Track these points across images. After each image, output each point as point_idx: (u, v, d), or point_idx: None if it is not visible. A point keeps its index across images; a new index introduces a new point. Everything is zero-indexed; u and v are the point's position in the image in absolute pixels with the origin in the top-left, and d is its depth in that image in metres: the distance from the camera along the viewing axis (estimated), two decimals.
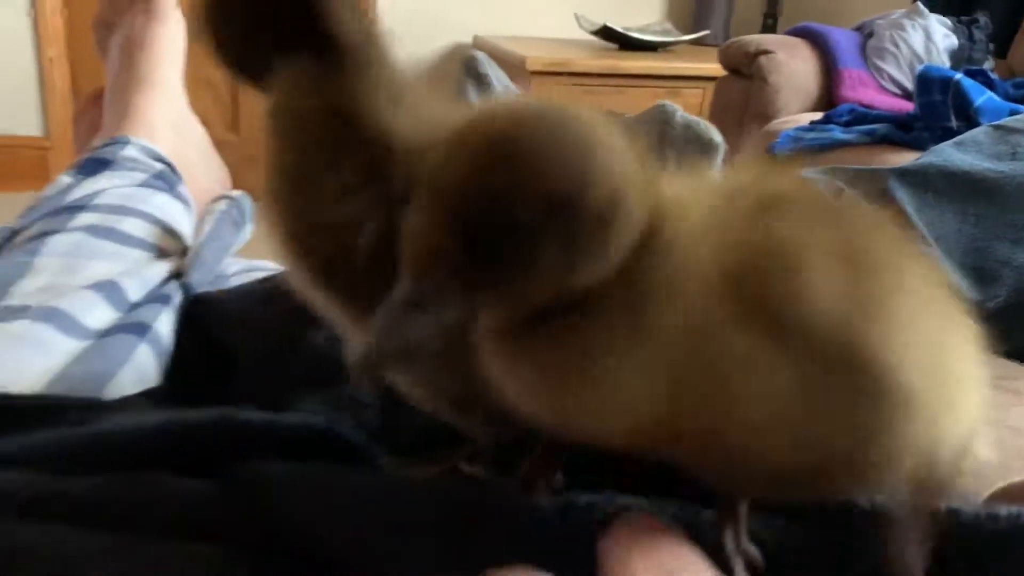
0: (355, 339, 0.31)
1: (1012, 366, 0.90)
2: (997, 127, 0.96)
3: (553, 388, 0.25)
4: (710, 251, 0.24)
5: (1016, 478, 0.52)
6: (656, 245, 0.24)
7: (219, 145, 1.02)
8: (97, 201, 0.71)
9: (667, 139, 0.72)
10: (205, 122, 1.01)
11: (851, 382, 0.23)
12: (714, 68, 2.49)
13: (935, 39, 2.25)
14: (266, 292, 0.49)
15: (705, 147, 0.71)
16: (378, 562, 0.26)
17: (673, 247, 0.24)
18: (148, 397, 0.45)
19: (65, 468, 0.29)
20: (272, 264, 0.81)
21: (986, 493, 0.52)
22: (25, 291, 0.58)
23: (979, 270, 0.87)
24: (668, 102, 0.73)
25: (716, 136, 0.72)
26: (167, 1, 0.96)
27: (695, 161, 0.76)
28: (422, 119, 0.30)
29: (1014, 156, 0.90)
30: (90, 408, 0.33)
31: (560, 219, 0.23)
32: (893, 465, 0.24)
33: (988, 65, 2.29)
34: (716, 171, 0.73)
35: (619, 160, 0.24)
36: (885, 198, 0.88)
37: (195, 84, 0.99)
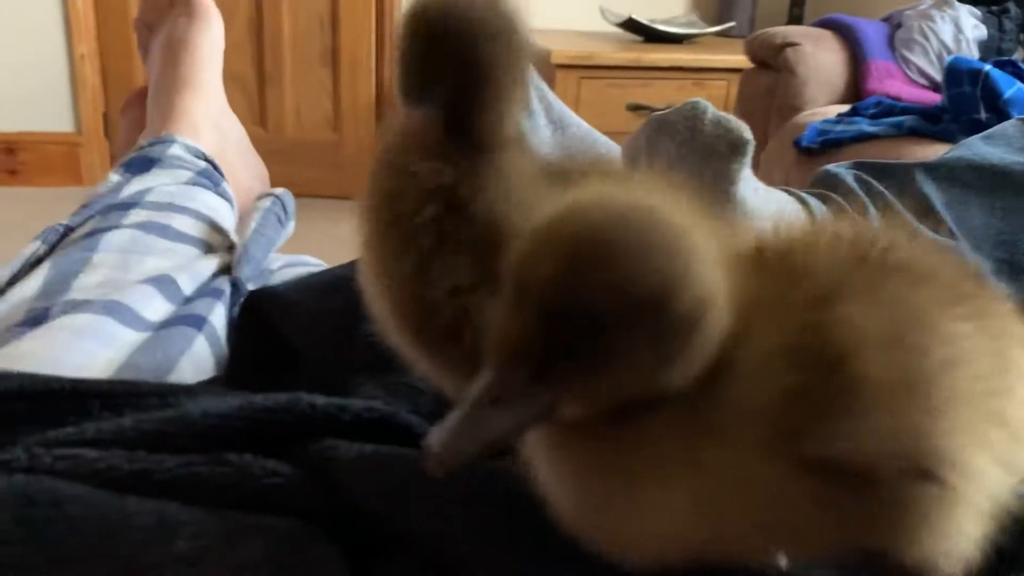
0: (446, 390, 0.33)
1: None
2: None
3: (585, 494, 0.25)
4: (772, 395, 0.24)
5: None
6: (724, 372, 0.24)
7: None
8: (147, 198, 0.74)
9: (697, 137, 0.73)
10: None
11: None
12: (740, 60, 2.49)
13: (964, 30, 2.24)
14: (322, 285, 0.51)
15: (735, 145, 0.72)
16: (435, 536, 0.28)
17: (739, 378, 0.24)
18: (212, 385, 0.47)
19: (152, 447, 0.31)
20: (313, 259, 0.84)
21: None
22: (85, 285, 0.61)
23: (1008, 263, 0.88)
24: (700, 99, 0.74)
25: (747, 134, 0.73)
26: (207, 2, 0.99)
27: (724, 158, 0.77)
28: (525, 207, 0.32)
29: None
30: (170, 393, 0.35)
31: (646, 321, 0.23)
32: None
33: (1018, 55, 2.27)
34: (747, 178, 0.74)
35: (707, 265, 0.24)
36: (913, 193, 0.89)
37: (225, 79, 1.02)
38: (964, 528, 0.25)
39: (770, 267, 0.26)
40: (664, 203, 0.24)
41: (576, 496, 0.25)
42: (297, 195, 0.98)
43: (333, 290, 0.49)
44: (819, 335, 0.24)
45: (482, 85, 0.32)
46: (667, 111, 0.75)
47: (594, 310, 0.22)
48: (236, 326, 0.51)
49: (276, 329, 0.49)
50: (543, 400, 0.23)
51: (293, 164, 2.57)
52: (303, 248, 0.90)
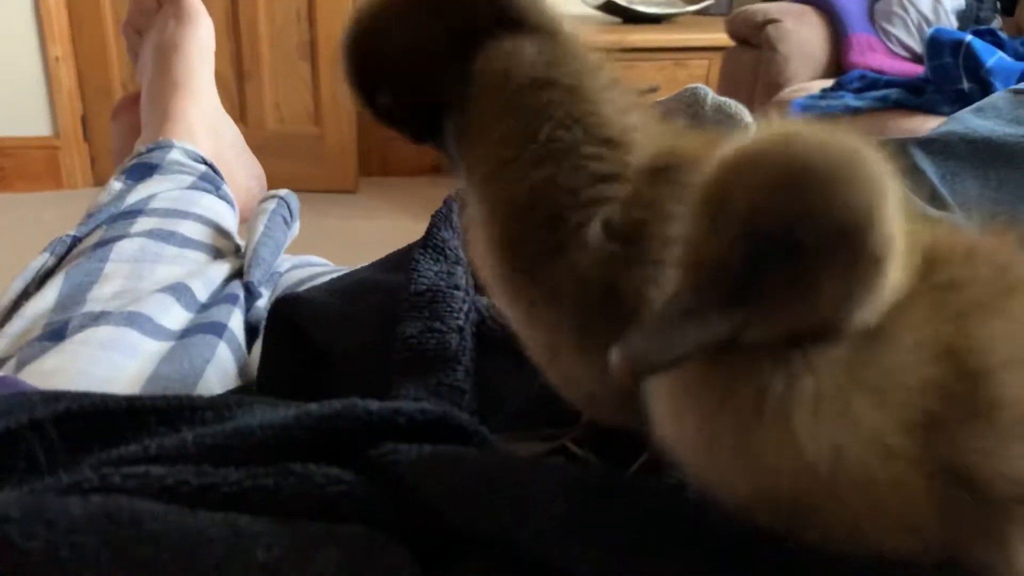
0: (574, 375, 0.33)
1: None
2: (1016, 92, 0.97)
3: (716, 423, 0.25)
4: (921, 378, 0.25)
5: None
6: (882, 336, 0.25)
7: None
8: (152, 205, 0.74)
9: (699, 122, 0.74)
10: None
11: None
12: (720, 38, 2.49)
13: (942, 0, 2.25)
14: (349, 289, 0.51)
15: (736, 127, 0.73)
16: (505, 533, 0.29)
17: (895, 347, 0.25)
18: (245, 393, 0.48)
19: (216, 461, 0.32)
20: (319, 259, 0.84)
21: None
22: (101, 297, 0.61)
23: None
24: (700, 85, 0.75)
25: (746, 116, 0.74)
26: (196, 4, 0.98)
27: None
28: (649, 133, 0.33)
29: None
30: (224, 406, 0.36)
31: (842, 251, 0.23)
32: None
33: (996, 24, 2.28)
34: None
35: (897, 210, 0.25)
36: (910, 168, 0.89)
37: None
38: None
39: (924, 259, 0.27)
40: (862, 146, 0.25)
41: (703, 424, 0.25)
42: (280, 189, 0.99)
43: (361, 293, 0.50)
44: (967, 342, 0.25)
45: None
46: (668, 99, 0.76)
47: (795, 235, 0.23)
48: (265, 333, 0.52)
49: (306, 335, 0.49)
50: (735, 320, 0.24)
51: (275, 159, 2.52)
52: (309, 249, 0.90)
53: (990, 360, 0.25)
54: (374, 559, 0.29)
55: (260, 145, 1.06)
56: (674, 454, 0.26)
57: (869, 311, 0.25)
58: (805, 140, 0.24)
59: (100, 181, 2.78)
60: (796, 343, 0.25)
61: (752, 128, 0.26)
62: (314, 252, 0.87)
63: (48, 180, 2.78)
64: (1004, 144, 0.91)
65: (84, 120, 2.78)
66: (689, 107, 0.74)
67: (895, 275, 0.25)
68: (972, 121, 0.95)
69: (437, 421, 0.34)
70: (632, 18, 2.78)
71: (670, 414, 0.26)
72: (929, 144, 0.91)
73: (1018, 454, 0.24)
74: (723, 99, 0.74)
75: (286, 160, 2.60)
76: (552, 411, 0.36)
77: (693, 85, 0.75)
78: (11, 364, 0.54)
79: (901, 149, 0.91)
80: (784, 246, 0.23)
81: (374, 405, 0.33)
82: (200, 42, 0.96)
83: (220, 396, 0.40)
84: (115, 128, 1.04)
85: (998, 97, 0.98)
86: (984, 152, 0.91)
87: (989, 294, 0.26)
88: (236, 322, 0.62)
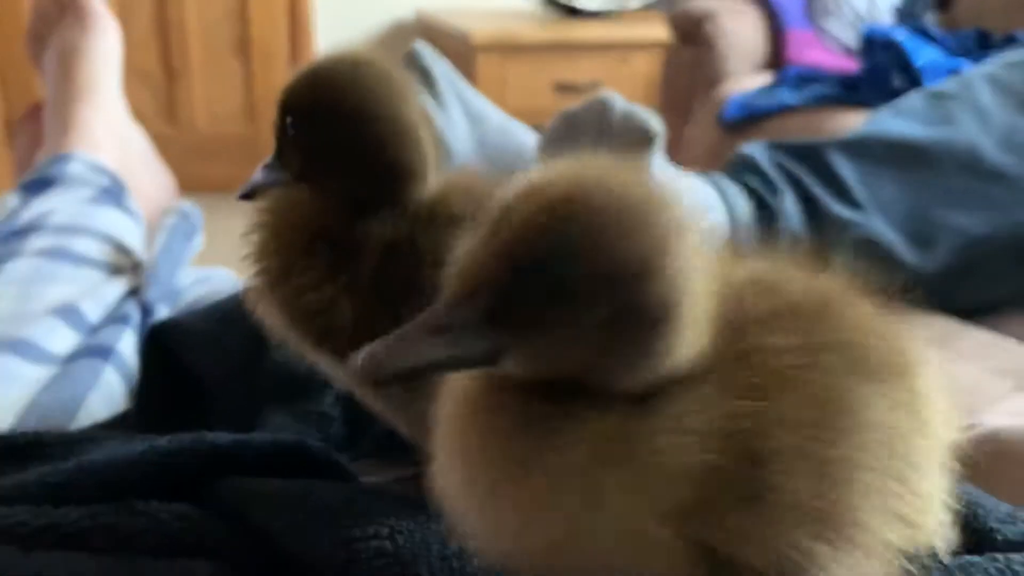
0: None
1: (953, 325, 0.93)
2: (932, 94, 0.98)
3: (479, 466, 0.24)
4: (696, 461, 0.23)
5: None
6: (665, 404, 0.24)
7: (157, 139, 1.02)
8: (47, 222, 0.72)
9: (607, 131, 0.73)
10: (141, 116, 1.00)
11: None
12: (663, 34, 2.50)
13: None
14: (225, 314, 0.51)
15: (644, 138, 0.72)
16: (339, 566, 0.28)
17: (675, 423, 0.23)
18: (121, 423, 0.47)
19: (58, 499, 0.31)
20: (224, 271, 0.82)
21: None
22: None
23: (919, 234, 0.90)
24: (608, 93, 0.74)
25: (655, 125, 0.74)
26: (98, 9, 0.95)
27: (632, 151, 0.78)
28: None
29: (947, 122, 0.93)
30: (72, 441, 0.36)
31: (612, 295, 0.22)
32: None
33: (930, 19, 2.32)
34: (654, 165, 0.74)
35: (689, 266, 0.23)
36: (827, 172, 0.90)
37: (130, 76, 0.98)
38: None
39: (731, 321, 0.25)
40: (661, 195, 0.24)
41: (468, 468, 0.25)
42: (213, 191, 0.96)
43: (236, 318, 0.49)
44: (752, 423, 0.24)
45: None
46: (576, 108, 0.75)
47: (567, 270, 0.22)
48: (141, 358, 0.51)
49: (181, 362, 0.48)
50: (487, 344, 0.23)
51: (207, 160, 2.49)
52: (222, 245, 0.87)
53: (770, 444, 0.23)
54: None
55: (191, 145, 1.03)
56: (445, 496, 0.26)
57: (643, 373, 0.23)
58: (598, 179, 0.23)
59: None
60: (573, 395, 0.24)
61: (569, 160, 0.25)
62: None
63: None
64: (919, 146, 0.92)
65: (7, 126, 2.69)
66: (597, 116, 0.74)
67: (686, 342, 0.23)
68: (889, 123, 0.96)
69: (290, 451, 0.33)
70: (575, 13, 2.78)
71: (441, 449, 0.26)
72: (847, 147, 0.92)
73: (788, 543, 0.23)
74: (631, 108, 0.73)
75: (218, 161, 2.54)
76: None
77: (601, 95, 0.75)
78: None
79: (820, 153, 0.92)
80: (554, 279, 0.22)
81: (224, 438, 0.33)
82: (105, 48, 0.93)
83: (74, 431, 0.40)
84: (20, 140, 1.01)
85: (915, 98, 1.00)
86: (900, 153, 0.92)
87: (793, 360, 0.25)
88: (127, 343, 0.60)
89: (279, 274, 0.34)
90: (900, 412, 0.26)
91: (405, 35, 2.84)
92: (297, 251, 0.34)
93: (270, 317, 0.35)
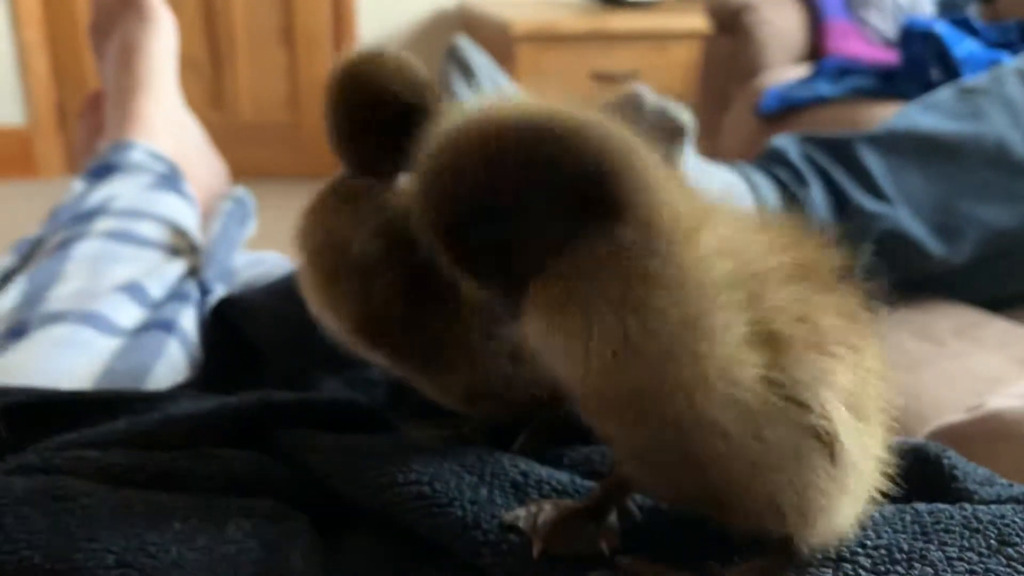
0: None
1: (976, 315, 0.95)
2: (961, 89, 1.00)
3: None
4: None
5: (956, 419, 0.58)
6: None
7: (204, 125, 1.07)
8: (112, 206, 0.77)
9: (639, 125, 0.76)
10: (188, 103, 1.05)
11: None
12: (701, 24, 2.51)
13: None
14: (284, 289, 0.55)
15: (674, 131, 0.76)
16: (384, 507, 0.33)
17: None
18: (189, 388, 0.52)
19: (145, 446, 0.36)
20: (275, 255, 0.87)
21: (926, 431, 0.58)
22: (60, 296, 0.64)
23: (945, 226, 0.92)
24: (640, 86, 0.77)
25: (686, 119, 0.77)
26: (158, 6, 1.00)
27: (664, 144, 0.81)
28: None
29: (975, 117, 0.95)
30: (153, 399, 0.41)
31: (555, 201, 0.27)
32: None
33: (973, 11, 2.30)
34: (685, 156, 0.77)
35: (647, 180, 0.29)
36: (855, 165, 0.92)
37: (177, 63, 1.03)
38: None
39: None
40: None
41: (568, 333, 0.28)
42: (256, 177, 1.01)
43: (292, 295, 0.53)
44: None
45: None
46: (609, 102, 0.78)
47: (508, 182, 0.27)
48: (206, 332, 0.56)
49: (243, 333, 0.53)
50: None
51: (251, 146, 2.53)
52: (265, 231, 0.92)
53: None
54: (279, 525, 0.33)
55: (236, 133, 1.08)
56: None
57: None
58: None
59: (76, 169, 2.75)
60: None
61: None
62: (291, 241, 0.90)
63: (21, 169, 2.71)
64: (946, 140, 0.94)
65: (60, 108, 2.75)
66: (630, 110, 0.77)
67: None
68: (917, 117, 0.98)
69: (345, 408, 0.38)
70: (614, 3, 2.80)
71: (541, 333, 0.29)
72: (874, 141, 0.94)
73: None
74: (662, 101, 0.76)
75: (263, 147, 2.59)
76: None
77: (633, 89, 0.78)
78: None
79: (848, 146, 0.94)
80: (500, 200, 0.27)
81: (287, 396, 0.38)
82: (162, 41, 0.98)
83: (153, 391, 0.45)
84: (81, 128, 1.06)
85: (944, 93, 1.01)
86: (927, 148, 0.94)
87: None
88: (188, 319, 0.65)
89: (331, 264, 0.37)
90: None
91: (446, 24, 2.88)
92: (349, 242, 0.36)
93: (315, 302, 0.38)
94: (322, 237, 0.37)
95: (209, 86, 2.68)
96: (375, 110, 0.37)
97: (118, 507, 0.32)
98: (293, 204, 0.88)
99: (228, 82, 2.72)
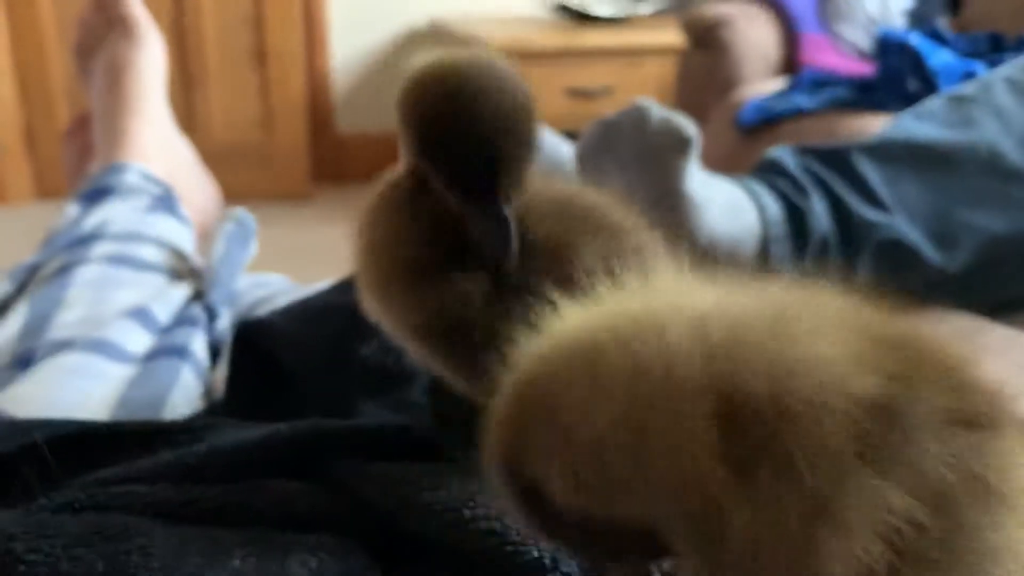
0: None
1: (977, 322, 0.96)
2: (951, 98, 1.01)
3: None
4: None
5: None
6: None
7: None
8: (109, 230, 0.75)
9: (643, 138, 0.76)
10: None
11: None
12: (676, 39, 2.53)
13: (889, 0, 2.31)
14: (310, 313, 0.54)
15: (680, 143, 0.75)
16: (447, 542, 0.32)
17: None
18: (212, 414, 0.50)
19: (194, 479, 0.35)
20: (276, 277, 0.85)
21: None
22: (65, 323, 0.62)
23: (942, 234, 0.93)
24: (645, 100, 0.77)
25: (691, 131, 0.77)
26: (145, 25, 0.99)
27: (669, 157, 0.80)
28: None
29: (967, 124, 0.96)
30: (195, 429, 0.39)
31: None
32: None
33: (942, 23, 2.34)
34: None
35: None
36: (852, 174, 0.93)
37: None
38: None
39: None
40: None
41: None
42: (230, 199, 1.00)
43: (324, 318, 0.52)
44: None
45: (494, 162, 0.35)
46: (613, 116, 0.78)
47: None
48: (232, 357, 0.54)
49: (271, 358, 0.52)
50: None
51: (225, 168, 2.49)
52: (265, 267, 0.91)
53: None
54: (342, 563, 0.32)
55: (209, 154, 1.07)
56: None
57: None
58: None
59: (46, 194, 2.71)
60: None
61: None
62: (269, 262, 0.89)
63: None
64: (940, 148, 0.95)
65: (27, 132, 2.71)
66: (634, 123, 0.77)
67: None
68: (911, 126, 0.99)
69: (398, 435, 0.37)
70: (587, 19, 2.81)
71: None
72: (869, 150, 0.95)
73: None
74: (667, 114, 0.76)
75: (236, 169, 2.56)
76: None
77: (638, 103, 0.78)
78: None
79: (845, 155, 0.95)
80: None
81: (337, 424, 0.37)
82: (150, 60, 0.97)
83: (192, 419, 0.43)
84: (68, 150, 1.04)
85: (935, 102, 1.02)
86: (922, 156, 0.95)
87: None
88: (198, 344, 0.64)
89: (387, 265, 0.36)
90: None
91: (419, 42, 2.88)
92: (405, 244, 0.35)
93: (370, 300, 0.37)
94: (378, 236, 0.36)
95: (181, 108, 2.64)
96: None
97: (175, 545, 0.31)
98: (268, 225, 0.87)
99: (200, 104, 2.70)
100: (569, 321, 0.23)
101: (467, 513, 0.32)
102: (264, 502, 0.34)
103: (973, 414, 0.22)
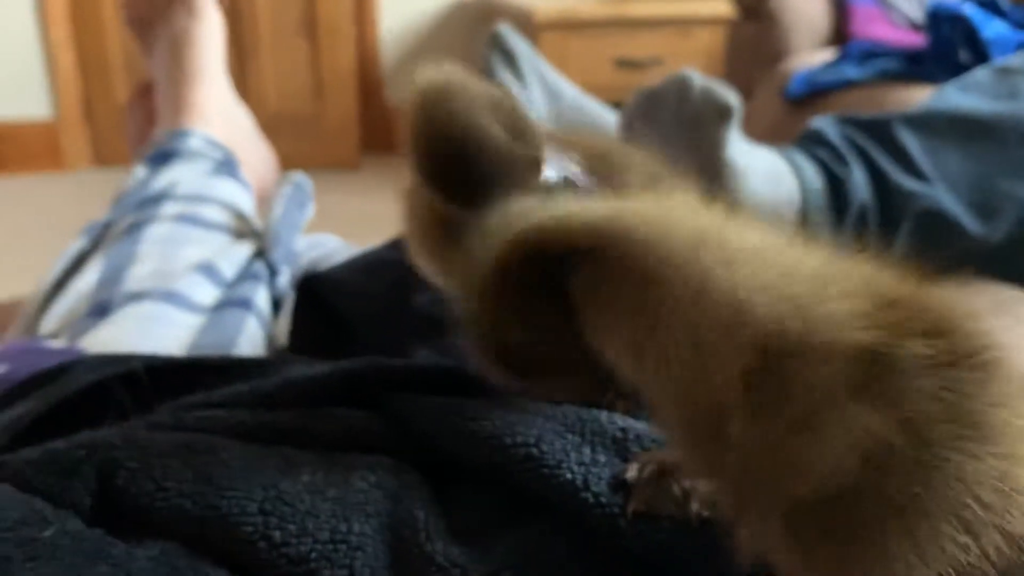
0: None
1: (1015, 291, 0.97)
2: (998, 69, 1.01)
3: None
4: None
5: None
6: None
7: None
8: (175, 191, 0.80)
9: (686, 107, 0.78)
10: None
11: None
12: (725, 9, 2.51)
13: None
14: (367, 266, 0.58)
15: (722, 112, 0.77)
16: (490, 471, 0.35)
17: None
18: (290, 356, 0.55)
19: (267, 406, 0.39)
20: (332, 238, 0.89)
21: None
22: (138, 276, 0.68)
23: (983, 205, 0.94)
24: (688, 70, 0.79)
25: (732, 100, 0.78)
26: (207, 0, 1.04)
27: (711, 126, 0.82)
28: None
29: (1013, 96, 0.96)
30: (269, 364, 0.43)
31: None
32: None
33: None
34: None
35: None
36: (893, 144, 0.94)
37: None
38: None
39: None
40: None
41: None
42: (282, 168, 1.05)
43: (379, 271, 0.57)
44: None
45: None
46: (656, 86, 0.80)
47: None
48: (295, 307, 0.59)
49: (331, 307, 0.56)
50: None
51: (276, 137, 2.54)
52: (322, 228, 0.95)
53: None
54: (398, 478, 0.36)
55: (261, 123, 1.11)
56: None
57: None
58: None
59: (103, 162, 2.80)
60: None
61: None
62: (320, 229, 0.93)
63: (48, 162, 2.77)
64: (985, 119, 0.95)
65: (86, 101, 2.79)
66: (676, 93, 0.79)
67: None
68: (954, 98, 0.99)
69: (447, 373, 0.41)
70: None
71: None
72: (912, 121, 0.96)
73: None
74: (709, 84, 0.78)
75: (287, 138, 2.60)
76: None
77: (680, 73, 0.80)
78: (64, 339, 0.61)
79: (887, 126, 0.96)
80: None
81: (395, 362, 0.41)
82: (212, 34, 1.02)
83: (265, 357, 0.47)
84: (131, 118, 1.09)
85: (981, 73, 1.02)
86: (964, 128, 0.95)
87: None
88: (262, 298, 0.68)
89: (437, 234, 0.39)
90: None
91: (468, 13, 2.89)
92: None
93: (423, 265, 0.41)
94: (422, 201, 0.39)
95: (235, 78, 2.69)
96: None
97: (253, 460, 0.35)
98: (319, 193, 0.91)
99: (252, 74, 2.75)
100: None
101: (508, 440, 0.35)
102: (329, 427, 0.38)
103: (959, 357, 0.25)
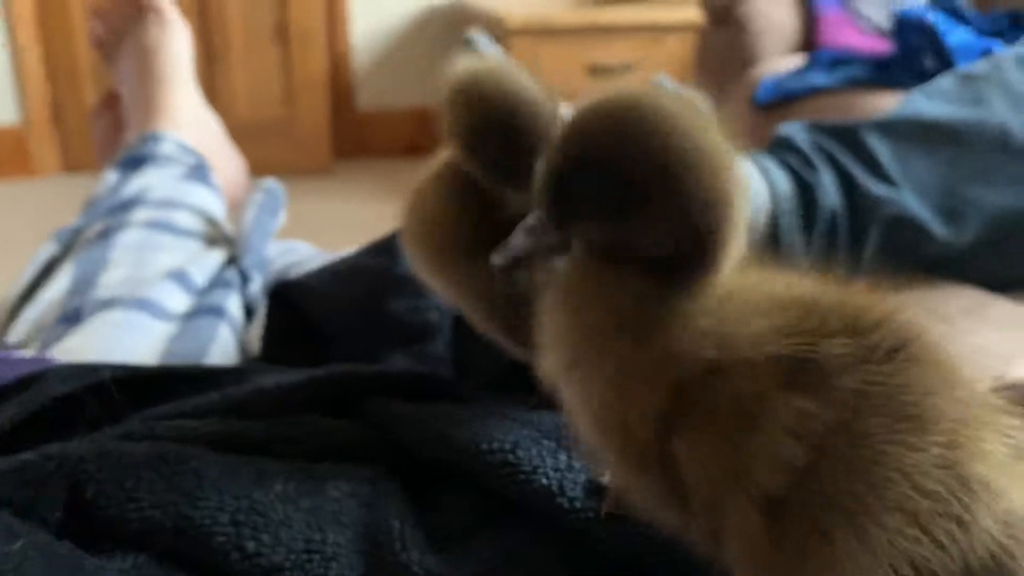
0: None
1: (985, 296, 0.98)
2: (961, 76, 1.03)
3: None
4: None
5: None
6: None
7: None
8: (148, 196, 0.79)
9: None
10: None
11: None
12: (697, 16, 2.53)
13: None
14: (340, 273, 0.58)
15: None
16: (468, 473, 0.35)
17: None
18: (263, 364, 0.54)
19: (239, 414, 0.39)
20: (303, 245, 0.89)
21: None
22: (110, 283, 0.67)
23: (951, 210, 0.95)
24: (660, 77, 0.80)
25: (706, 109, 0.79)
26: (174, 12, 1.03)
27: None
28: None
29: (977, 102, 0.98)
30: (238, 373, 0.43)
31: (656, 188, 0.27)
32: None
33: (963, 0, 2.34)
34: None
35: (724, 173, 0.28)
36: (862, 151, 0.95)
37: None
38: None
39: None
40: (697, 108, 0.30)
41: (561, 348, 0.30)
42: (253, 175, 1.04)
43: (353, 278, 0.56)
44: None
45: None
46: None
47: (595, 167, 0.28)
48: (268, 314, 0.59)
49: (305, 315, 0.56)
50: (556, 235, 0.30)
51: (247, 143, 2.52)
52: (293, 235, 0.95)
53: None
54: (374, 485, 0.36)
55: (232, 129, 1.11)
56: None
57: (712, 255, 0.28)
58: (643, 93, 0.29)
59: (72, 167, 2.76)
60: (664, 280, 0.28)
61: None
62: (292, 235, 0.93)
63: (16, 168, 2.73)
64: (950, 125, 0.97)
65: (54, 106, 2.75)
66: None
67: (731, 231, 0.28)
68: (921, 104, 1.00)
69: (421, 379, 0.41)
70: None
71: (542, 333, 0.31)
72: (881, 126, 0.97)
73: None
74: (683, 91, 0.79)
75: (259, 143, 2.60)
76: (521, 379, 0.42)
77: (655, 78, 0.80)
78: (35, 346, 0.60)
79: (855, 133, 0.97)
80: (600, 174, 0.28)
81: (369, 368, 0.40)
82: (181, 44, 1.01)
83: (240, 366, 0.47)
84: (97, 127, 1.09)
85: (946, 81, 1.04)
86: (932, 134, 0.97)
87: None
88: (234, 305, 0.68)
89: (437, 243, 0.39)
90: None
91: (439, 19, 2.89)
92: (452, 225, 0.39)
93: (423, 272, 0.41)
94: (427, 217, 0.39)
95: (204, 84, 2.67)
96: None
97: (225, 470, 0.35)
98: (290, 199, 0.91)
99: (223, 80, 2.73)
100: None
101: (484, 446, 0.35)
102: (303, 434, 0.38)
103: (880, 352, 0.26)
